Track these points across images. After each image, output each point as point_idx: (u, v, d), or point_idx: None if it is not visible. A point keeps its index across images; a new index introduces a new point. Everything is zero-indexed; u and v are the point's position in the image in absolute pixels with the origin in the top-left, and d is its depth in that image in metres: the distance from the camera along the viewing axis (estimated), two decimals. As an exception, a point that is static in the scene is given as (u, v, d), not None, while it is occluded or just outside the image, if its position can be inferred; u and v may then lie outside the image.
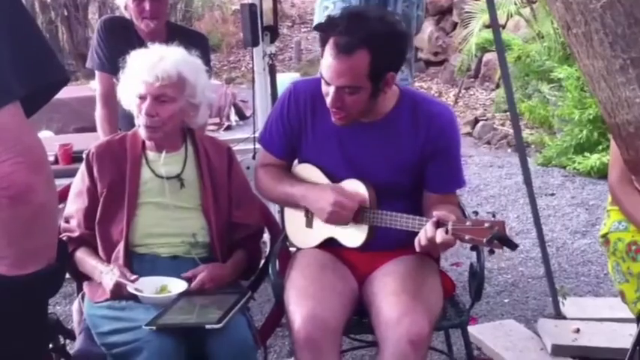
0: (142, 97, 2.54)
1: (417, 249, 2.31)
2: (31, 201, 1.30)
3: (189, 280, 2.48)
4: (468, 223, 2.22)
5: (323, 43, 2.37)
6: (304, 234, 2.63)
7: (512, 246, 2.20)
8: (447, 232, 2.23)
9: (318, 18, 3.37)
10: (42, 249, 1.39)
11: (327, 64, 2.35)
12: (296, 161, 2.68)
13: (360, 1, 3.30)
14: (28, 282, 1.36)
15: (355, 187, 2.50)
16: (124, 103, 2.66)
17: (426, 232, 2.26)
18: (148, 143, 2.63)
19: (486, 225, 2.18)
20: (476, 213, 2.26)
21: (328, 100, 2.39)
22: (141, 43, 3.27)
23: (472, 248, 2.37)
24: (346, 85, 2.34)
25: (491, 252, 2.27)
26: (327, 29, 2.37)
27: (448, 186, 2.57)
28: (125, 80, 2.61)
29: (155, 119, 2.54)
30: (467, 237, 2.20)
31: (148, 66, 2.52)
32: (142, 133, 2.58)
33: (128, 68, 2.60)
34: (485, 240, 2.17)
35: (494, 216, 2.25)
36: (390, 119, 2.51)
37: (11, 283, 1.35)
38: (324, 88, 2.41)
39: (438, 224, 2.25)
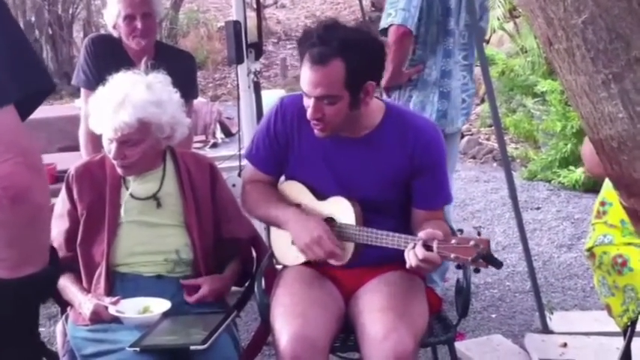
0: (110, 140, 2.51)
1: (407, 267, 2.30)
2: (31, 201, 1.34)
3: (173, 299, 2.46)
4: (453, 242, 2.22)
5: (301, 57, 2.39)
6: (290, 251, 2.61)
7: (497, 264, 2.21)
8: (432, 250, 2.23)
9: (383, 24, 3.57)
10: (38, 251, 1.43)
11: (304, 76, 2.37)
12: (282, 178, 2.67)
13: (421, 11, 3.50)
14: (24, 285, 1.39)
15: (341, 204, 2.49)
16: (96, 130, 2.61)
17: (416, 255, 2.26)
18: None
19: (471, 243, 2.18)
20: (461, 231, 2.26)
21: (308, 112, 2.40)
22: (129, 61, 3.25)
23: (457, 267, 2.38)
24: (323, 94, 2.35)
25: (477, 270, 2.28)
26: (302, 42, 2.39)
27: (435, 202, 2.56)
28: (92, 117, 2.56)
29: (125, 161, 2.52)
30: (452, 255, 2.21)
31: (107, 117, 2.47)
32: (117, 169, 2.56)
33: (93, 107, 2.56)
34: (470, 259, 2.18)
35: (479, 234, 2.25)
36: (376, 134, 2.50)
37: (9, 286, 1.37)
38: (305, 101, 2.42)
39: (425, 244, 2.26)
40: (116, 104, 2.46)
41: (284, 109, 2.57)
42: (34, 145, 1.38)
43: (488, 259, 2.18)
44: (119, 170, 2.56)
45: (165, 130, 2.54)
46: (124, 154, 2.50)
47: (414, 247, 2.28)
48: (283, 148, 2.58)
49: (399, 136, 2.49)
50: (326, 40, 2.32)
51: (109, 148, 2.51)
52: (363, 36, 2.39)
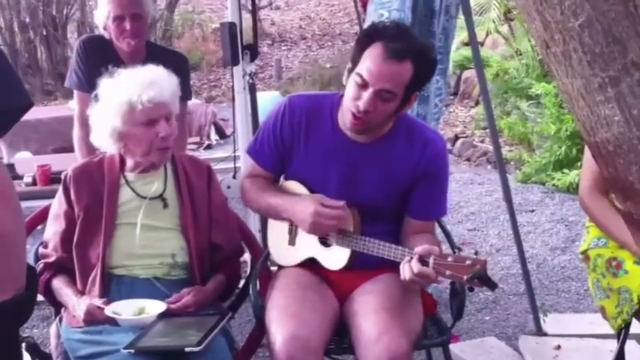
0: (151, 122, 2.49)
1: (402, 279, 2.30)
2: None
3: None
4: (449, 259, 2.21)
5: (364, 47, 2.35)
6: (286, 252, 2.61)
7: (492, 286, 2.21)
8: (428, 265, 2.23)
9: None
10: (9, 278, 1.35)
11: (373, 66, 2.32)
12: (282, 178, 2.67)
13: (411, 13, 3.45)
14: None
15: None
16: (95, 141, 2.60)
17: (411, 269, 2.25)
18: (127, 165, 2.60)
19: (468, 262, 2.18)
20: (459, 249, 2.27)
21: (360, 103, 2.34)
22: (120, 63, 3.25)
23: (452, 283, 2.38)
24: (388, 89, 2.32)
25: (471, 289, 2.28)
26: (372, 33, 2.37)
27: (429, 213, 2.57)
28: (113, 112, 2.51)
29: (171, 138, 2.53)
30: (447, 272, 2.20)
31: (144, 91, 2.45)
32: (155, 157, 2.55)
33: (114, 98, 2.51)
34: (465, 278, 2.18)
35: (476, 253, 2.26)
36: (384, 141, 2.50)
37: None
38: (355, 92, 2.36)
39: (421, 259, 2.25)
40: (149, 80, 2.49)
41: (292, 108, 2.55)
42: (2, 173, 1.32)
43: (484, 279, 2.17)
44: (157, 157, 2.55)
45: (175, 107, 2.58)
46: (170, 130, 2.52)
47: (409, 261, 2.28)
48: (288, 147, 2.56)
49: (407, 145, 2.50)
50: (402, 39, 2.32)
51: (155, 131, 2.49)
52: (428, 47, 2.43)
